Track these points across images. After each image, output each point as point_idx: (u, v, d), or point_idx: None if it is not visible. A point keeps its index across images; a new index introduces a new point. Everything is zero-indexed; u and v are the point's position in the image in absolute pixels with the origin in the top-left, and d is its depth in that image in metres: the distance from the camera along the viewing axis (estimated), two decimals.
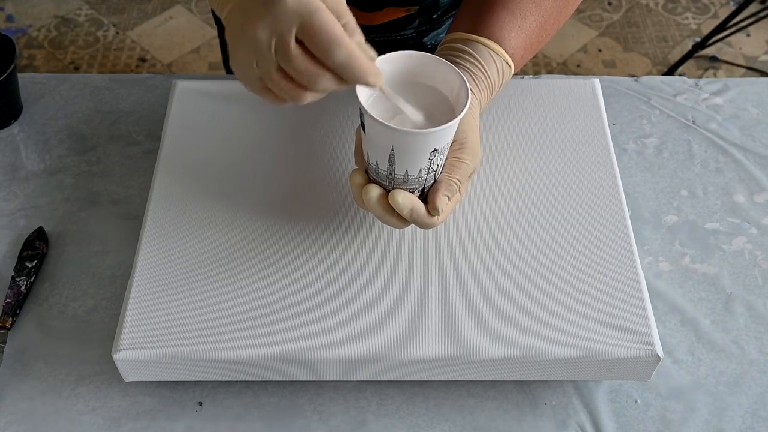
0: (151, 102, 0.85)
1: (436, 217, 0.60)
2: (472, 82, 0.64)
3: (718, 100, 0.86)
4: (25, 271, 0.71)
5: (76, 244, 0.74)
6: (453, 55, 0.64)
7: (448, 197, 0.60)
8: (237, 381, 0.65)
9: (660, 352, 0.60)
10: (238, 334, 0.60)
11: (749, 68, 2.04)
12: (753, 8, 2.02)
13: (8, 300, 0.69)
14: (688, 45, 2.11)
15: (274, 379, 0.62)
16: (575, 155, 0.72)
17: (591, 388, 0.66)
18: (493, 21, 0.65)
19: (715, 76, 2.03)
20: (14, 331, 0.68)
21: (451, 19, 0.88)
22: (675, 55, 2.08)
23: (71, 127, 0.83)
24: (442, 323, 0.61)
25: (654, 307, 0.69)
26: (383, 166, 0.58)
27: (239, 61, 0.52)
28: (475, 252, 0.65)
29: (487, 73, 0.64)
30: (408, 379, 0.63)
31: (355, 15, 0.51)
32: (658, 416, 0.64)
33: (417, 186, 0.59)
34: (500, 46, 0.65)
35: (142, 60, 2.07)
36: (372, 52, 0.52)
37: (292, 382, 0.66)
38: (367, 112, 0.55)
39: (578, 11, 2.18)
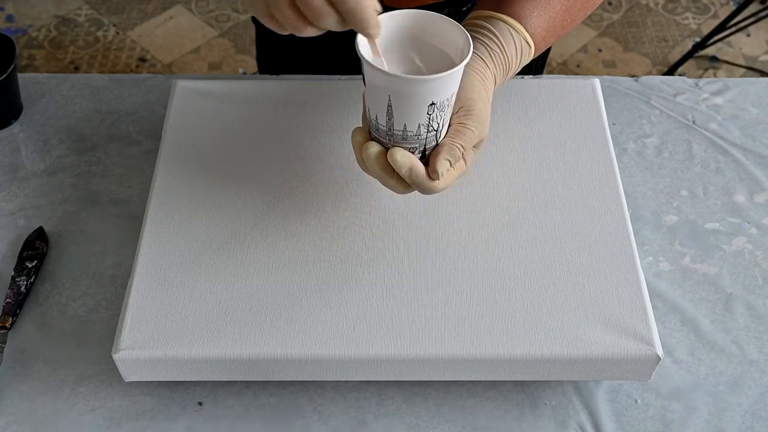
0: (151, 102, 0.85)
1: (436, 182, 0.58)
2: (488, 56, 0.63)
3: (718, 100, 0.86)
4: (25, 271, 0.71)
5: (76, 244, 0.74)
6: (472, 31, 0.64)
7: (450, 162, 0.59)
8: (237, 381, 0.65)
9: (660, 352, 0.60)
10: (239, 334, 0.60)
11: (749, 68, 2.04)
12: (753, 8, 2.02)
13: (8, 300, 0.69)
14: (688, 45, 2.11)
15: (274, 379, 0.62)
16: (575, 155, 0.72)
17: (591, 388, 0.66)
18: (516, 0, 0.65)
19: (715, 76, 2.03)
20: (14, 331, 0.68)
21: None
22: (675, 55, 2.08)
23: (71, 127, 0.83)
24: (442, 323, 0.61)
25: (654, 307, 0.69)
26: (382, 121, 0.57)
27: None
28: (475, 252, 0.65)
29: (504, 49, 0.63)
30: (408, 379, 0.63)
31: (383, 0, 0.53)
32: (658, 416, 0.64)
33: (417, 146, 0.58)
34: (521, 24, 0.64)
35: (142, 60, 2.07)
36: (377, 4, 0.53)
37: (292, 382, 0.66)
38: (365, 58, 0.54)
39: None
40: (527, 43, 0.64)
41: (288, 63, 0.97)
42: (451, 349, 0.60)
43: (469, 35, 0.57)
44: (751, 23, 1.89)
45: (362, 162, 0.60)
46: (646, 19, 2.18)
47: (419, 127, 0.57)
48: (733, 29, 1.92)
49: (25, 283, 0.70)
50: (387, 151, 0.58)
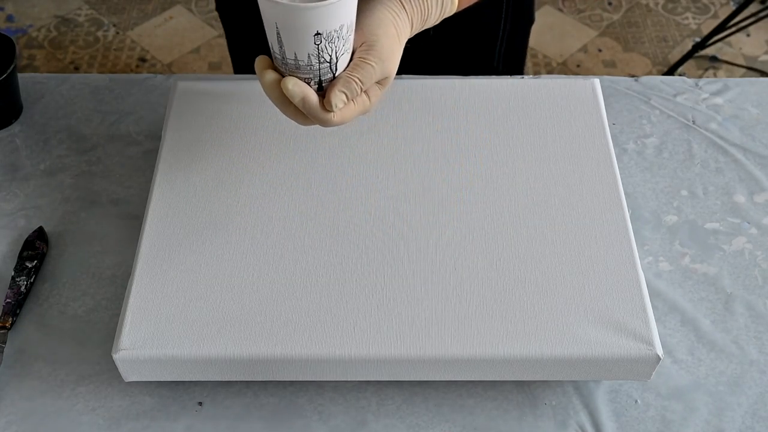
0: (151, 102, 0.85)
1: (331, 114, 0.58)
2: (406, 2, 0.62)
3: (718, 100, 0.86)
4: (25, 271, 0.71)
5: (76, 244, 0.74)
6: None
7: (346, 95, 0.58)
8: (237, 381, 0.65)
9: (660, 352, 0.60)
10: (238, 334, 0.60)
11: (749, 68, 2.04)
12: (753, 8, 2.02)
13: (8, 300, 0.69)
14: (688, 45, 2.11)
15: (274, 379, 0.62)
16: (575, 155, 0.72)
17: (591, 388, 0.66)
18: None
19: (715, 76, 2.03)
20: (14, 331, 0.68)
21: None
22: (675, 55, 2.08)
23: (71, 127, 0.83)
24: (442, 323, 0.61)
25: (654, 307, 0.69)
26: (276, 48, 0.57)
27: None
28: (475, 252, 0.65)
29: None
30: (408, 379, 0.63)
31: None
32: (658, 416, 0.64)
33: (311, 77, 0.58)
34: None
35: (142, 60, 2.07)
36: None
37: (292, 382, 0.66)
38: None
39: (578, 11, 2.18)
40: None
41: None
42: (451, 349, 0.60)
43: None
44: (751, 23, 1.88)
45: (263, 89, 0.59)
46: (646, 19, 2.18)
47: (309, 57, 0.57)
48: (733, 29, 1.92)
49: (25, 283, 0.70)
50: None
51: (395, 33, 0.61)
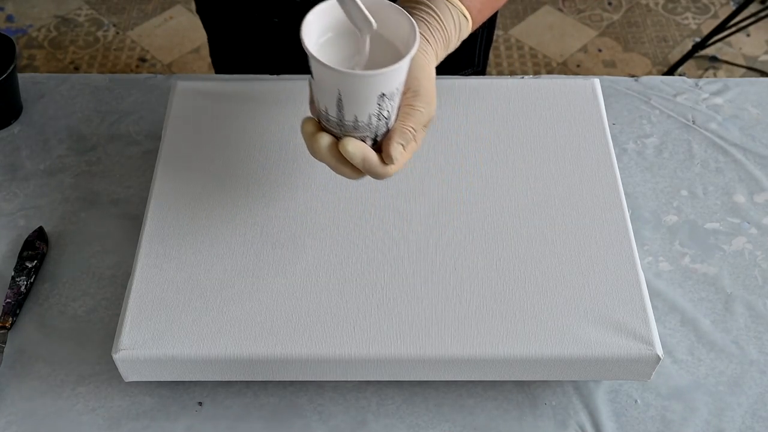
0: (151, 102, 0.85)
1: (390, 166, 0.58)
2: (428, 32, 0.63)
3: (718, 100, 0.86)
4: (25, 271, 0.71)
5: (76, 244, 0.74)
6: (409, 7, 0.63)
7: (403, 145, 0.59)
8: (237, 381, 0.65)
9: (660, 352, 0.60)
10: (238, 334, 0.60)
11: (749, 68, 2.04)
12: (753, 8, 2.02)
13: (8, 300, 0.69)
14: (688, 45, 2.11)
15: (274, 379, 0.62)
16: (575, 155, 0.72)
17: (591, 388, 0.66)
18: None
19: (715, 76, 2.03)
20: (14, 331, 0.68)
21: None
22: (675, 55, 2.08)
23: (71, 127, 0.83)
24: (442, 323, 0.61)
25: (654, 307, 0.69)
26: (332, 112, 0.56)
27: None
28: (475, 252, 0.65)
29: (443, 23, 0.63)
30: (408, 379, 0.63)
31: None
32: (658, 416, 0.64)
33: (368, 134, 0.58)
34: None
35: (142, 60, 2.07)
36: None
37: (292, 382, 0.66)
38: (312, 54, 0.54)
39: (578, 11, 2.18)
40: (464, 16, 0.64)
41: (242, 65, 0.97)
42: (451, 349, 0.60)
43: (414, 22, 0.56)
44: (751, 23, 1.88)
45: (314, 153, 0.59)
46: (646, 19, 2.18)
47: (370, 117, 0.56)
48: (733, 29, 1.92)
49: (25, 283, 0.70)
50: (338, 140, 0.58)
51: (430, 72, 0.62)
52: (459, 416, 0.64)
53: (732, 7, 2.20)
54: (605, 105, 0.79)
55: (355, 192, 0.69)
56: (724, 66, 2.05)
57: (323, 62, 0.53)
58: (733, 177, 0.79)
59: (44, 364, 0.66)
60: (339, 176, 0.59)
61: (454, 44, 0.66)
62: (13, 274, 0.70)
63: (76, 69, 2.03)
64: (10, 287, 0.69)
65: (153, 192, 0.69)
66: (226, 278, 0.64)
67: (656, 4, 2.22)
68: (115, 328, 0.67)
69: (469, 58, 0.98)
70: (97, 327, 0.68)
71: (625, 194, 0.72)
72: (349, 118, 0.56)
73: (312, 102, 0.60)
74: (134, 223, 0.74)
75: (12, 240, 0.74)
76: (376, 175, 0.59)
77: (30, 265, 0.71)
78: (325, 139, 0.58)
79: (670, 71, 2.01)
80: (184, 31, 2.14)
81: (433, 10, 0.63)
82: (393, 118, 0.58)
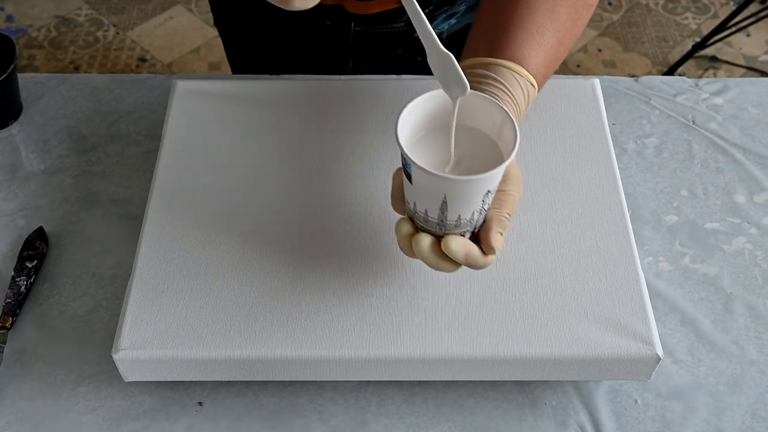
0: (151, 102, 0.85)
1: (490, 255, 0.58)
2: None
3: (718, 100, 0.86)
4: (25, 271, 0.71)
5: (76, 244, 0.74)
6: (476, 81, 0.61)
7: (501, 233, 0.58)
8: (237, 381, 0.65)
9: (660, 352, 0.60)
10: (239, 334, 0.60)
11: (749, 68, 2.04)
12: (753, 8, 2.02)
13: (8, 300, 0.69)
14: (688, 45, 2.11)
15: (274, 379, 0.62)
16: (575, 155, 0.72)
17: (591, 388, 0.66)
18: (512, 42, 0.63)
19: (715, 76, 2.03)
20: (14, 331, 0.68)
21: (443, 14, 0.88)
22: (675, 55, 2.08)
23: (71, 127, 0.83)
24: (442, 323, 0.61)
25: (654, 307, 0.69)
26: (434, 214, 0.55)
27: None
28: None
29: (513, 96, 0.61)
30: (408, 379, 0.63)
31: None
32: (658, 416, 0.64)
33: (468, 229, 0.57)
34: (522, 67, 0.62)
35: (142, 60, 2.07)
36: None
37: (292, 382, 0.66)
38: (415, 163, 0.52)
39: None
40: (531, 84, 0.63)
41: (260, 67, 0.97)
42: (451, 349, 0.60)
43: (508, 112, 0.55)
44: (751, 23, 1.89)
45: (412, 253, 0.58)
46: (646, 19, 2.19)
47: (473, 213, 0.56)
48: (733, 29, 1.92)
49: (25, 283, 0.70)
50: (438, 239, 0.57)
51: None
52: (459, 416, 0.64)
53: (732, 7, 2.20)
54: (605, 105, 0.79)
55: (356, 191, 0.69)
56: (724, 66, 2.05)
57: (431, 171, 0.52)
58: (733, 177, 0.79)
59: (44, 364, 0.66)
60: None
61: (524, 113, 0.64)
62: (13, 274, 0.70)
63: (76, 69, 2.03)
64: (10, 287, 0.69)
65: (153, 192, 0.69)
66: (226, 278, 0.64)
67: (656, 4, 2.22)
68: (115, 328, 0.67)
69: None
70: (97, 327, 0.68)
71: (625, 194, 0.72)
72: (452, 218, 0.55)
73: (396, 198, 0.59)
74: (134, 223, 0.74)
75: (12, 240, 0.74)
76: (477, 267, 0.58)
77: (30, 265, 0.71)
78: (426, 240, 0.57)
79: (670, 71, 2.01)
80: (184, 31, 2.14)
81: (501, 83, 0.61)
82: (489, 207, 0.58)
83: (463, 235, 0.57)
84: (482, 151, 0.58)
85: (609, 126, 0.76)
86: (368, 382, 0.66)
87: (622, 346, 0.60)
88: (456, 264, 0.58)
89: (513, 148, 0.54)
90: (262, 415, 0.64)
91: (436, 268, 0.58)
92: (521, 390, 0.65)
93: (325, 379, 0.64)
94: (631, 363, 0.60)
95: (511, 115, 0.56)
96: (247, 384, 0.66)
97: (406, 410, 0.64)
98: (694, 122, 0.84)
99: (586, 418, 0.64)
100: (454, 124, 0.56)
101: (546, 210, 0.68)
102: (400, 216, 0.60)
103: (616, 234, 0.66)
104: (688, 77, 0.99)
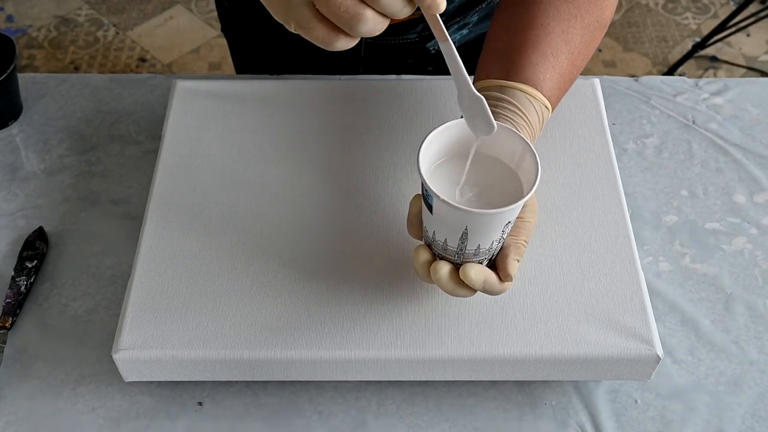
0: (151, 102, 0.85)
1: (507, 282, 0.58)
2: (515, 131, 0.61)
3: (718, 100, 0.86)
4: (25, 271, 0.71)
5: (76, 244, 0.74)
6: (491, 104, 0.60)
7: (518, 260, 0.58)
8: (237, 381, 0.65)
9: (660, 352, 0.60)
10: (238, 334, 0.60)
11: (749, 68, 2.04)
12: (753, 8, 2.02)
13: (8, 300, 0.69)
14: (688, 45, 2.11)
15: (274, 379, 0.62)
16: (575, 155, 0.72)
17: (591, 388, 0.66)
18: (526, 64, 0.62)
19: (715, 76, 2.03)
20: (14, 331, 0.68)
21: (455, 26, 0.88)
22: (675, 55, 2.08)
23: (71, 127, 0.83)
24: (442, 323, 0.61)
25: (654, 307, 0.69)
26: (453, 244, 0.56)
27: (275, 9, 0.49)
28: None
29: (528, 120, 0.61)
30: (408, 379, 0.63)
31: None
32: (658, 416, 0.64)
33: (486, 257, 0.57)
34: (537, 90, 0.62)
35: (142, 60, 2.07)
36: None
37: (292, 382, 0.66)
38: (438, 196, 0.52)
39: None
40: (546, 107, 0.63)
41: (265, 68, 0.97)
42: (451, 349, 0.60)
43: (529, 143, 0.55)
44: (751, 23, 1.89)
45: (429, 280, 0.58)
46: (646, 19, 2.19)
47: (492, 242, 0.56)
48: (733, 29, 1.92)
49: (25, 283, 0.70)
50: (455, 267, 0.57)
51: None
52: (459, 416, 0.64)
53: (732, 7, 2.20)
54: (605, 105, 0.79)
55: (355, 193, 0.69)
56: (724, 66, 2.05)
57: (454, 204, 0.52)
58: (733, 177, 0.79)
59: (44, 363, 0.66)
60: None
61: (538, 135, 0.64)
62: (13, 274, 0.70)
63: (76, 69, 2.03)
64: (10, 287, 0.69)
65: (153, 192, 0.69)
66: (226, 278, 0.64)
67: (656, 4, 2.22)
68: (115, 328, 0.67)
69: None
70: (97, 327, 0.68)
71: (625, 194, 0.72)
72: (471, 247, 0.56)
73: (413, 225, 0.59)
74: (134, 223, 0.74)
75: (12, 240, 0.74)
76: (494, 293, 0.58)
77: (30, 265, 0.71)
78: (444, 269, 0.57)
79: (670, 71, 2.01)
80: (184, 31, 2.14)
81: (516, 107, 0.61)
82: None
83: (481, 263, 0.57)
84: (501, 182, 0.58)
85: (609, 126, 0.76)
86: (368, 382, 0.66)
87: (622, 346, 0.60)
88: (472, 290, 0.58)
89: (535, 181, 0.54)
90: (262, 415, 0.64)
91: (453, 294, 0.58)
92: (521, 390, 0.65)
93: (325, 379, 0.64)
94: (631, 363, 0.60)
95: (531, 147, 0.55)
96: (247, 384, 0.66)
97: (406, 410, 0.64)
98: (694, 122, 0.84)
99: (586, 418, 0.64)
100: (471, 157, 0.56)
101: (546, 210, 0.68)
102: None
103: (616, 234, 0.66)
104: (688, 77, 0.99)
